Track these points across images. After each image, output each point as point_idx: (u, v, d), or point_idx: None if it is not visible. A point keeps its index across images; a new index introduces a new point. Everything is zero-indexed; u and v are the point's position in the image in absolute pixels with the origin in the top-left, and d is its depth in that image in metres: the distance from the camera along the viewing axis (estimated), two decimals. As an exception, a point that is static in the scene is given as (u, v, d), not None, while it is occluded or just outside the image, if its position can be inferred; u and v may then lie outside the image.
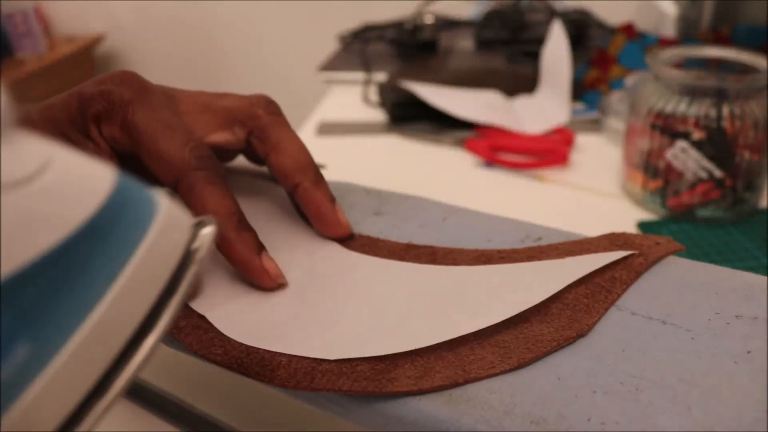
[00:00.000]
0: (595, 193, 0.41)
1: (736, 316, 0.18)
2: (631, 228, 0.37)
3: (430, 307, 0.19)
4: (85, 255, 0.10)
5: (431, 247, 0.22)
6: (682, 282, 0.19)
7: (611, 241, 0.21)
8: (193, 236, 0.12)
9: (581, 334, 0.17)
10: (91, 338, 0.10)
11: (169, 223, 0.12)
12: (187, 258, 0.12)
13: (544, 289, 0.19)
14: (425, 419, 0.16)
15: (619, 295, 0.19)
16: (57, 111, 0.20)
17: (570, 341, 0.17)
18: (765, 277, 0.19)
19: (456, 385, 0.16)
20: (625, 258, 0.20)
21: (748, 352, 0.17)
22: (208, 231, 0.12)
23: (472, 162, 0.45)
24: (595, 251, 0.21)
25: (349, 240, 0.23)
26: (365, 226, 0.24)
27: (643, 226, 0.37)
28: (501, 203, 0.33)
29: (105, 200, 0.11)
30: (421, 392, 0.16)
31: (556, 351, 0.17)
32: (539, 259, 0.21)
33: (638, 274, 0.20)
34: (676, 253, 0.21)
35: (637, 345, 0.17)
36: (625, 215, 0.38)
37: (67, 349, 0.10)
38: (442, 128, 0.49)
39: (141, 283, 0.11)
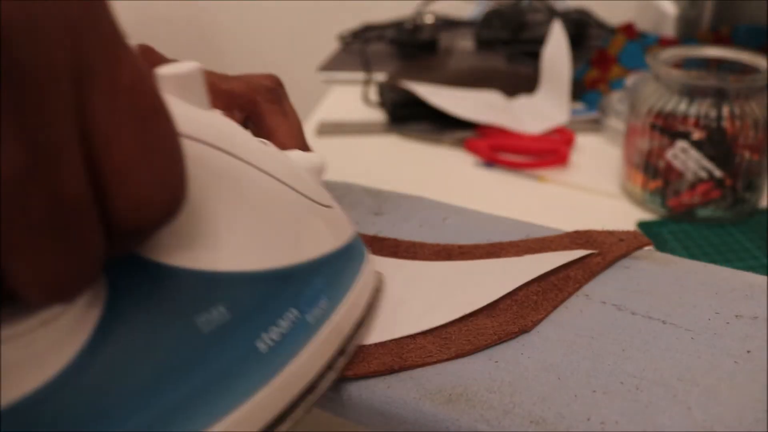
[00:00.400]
0: (595, 193, 0.41)
1: (736, 316, 0.18)
2: (630, 228, 0.37)
3: (382, 303, 0.19)
4: (345, 261, 0.17)
5: (395, 240, 0.23)
6: (682, 282, 0.19)
7: (572, 239, 0.21)
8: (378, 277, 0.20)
9: (524, 331, 0.18)
10: (348, 306, 0.16)
11: (370, 262, 0.19)
12: (376, 290, 0.19)
13: (497, 288, 0.19)
14: (425, 419, 0.16)
15: (570, 294, 0.19)
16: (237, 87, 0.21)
17: (511, 336, 0.18)
18: (765, 277, 0.19)
19: (392, 371, 0.17)
20: (582, 257, 0.20)
21: (748, 351, 0.17)
22: (381, 275, 0.20)
23: (472, 162, 0.45)
24: (555, 249, 0.21)
25: None
26: (365, 226, 0.24)
27: (643, 226, 0.37)
28: (501, 203, 0.33)
29: (353, 233, 0.18)
30: (357, 377, 0.16)
31: (496, 345, 0.17)
32: (498, 255, 0.21)
33: (594, 274, 0.20)
34: (643, 247, 0.21)
35: (637, 345, 0.17)
36: (624, 215, 0.38)
37: (339, 308, 0.16)
38: (442, 128, 0.49)
39: (363, 288, 0.18)
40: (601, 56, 0.51)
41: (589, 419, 0.15)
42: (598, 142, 0.47)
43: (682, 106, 0.36)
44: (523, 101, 0.52)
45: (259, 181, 0.14)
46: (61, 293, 0.10)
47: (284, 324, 0.14)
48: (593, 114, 0.50)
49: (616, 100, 0.47)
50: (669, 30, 0.52)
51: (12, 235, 0.09)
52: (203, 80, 0.14)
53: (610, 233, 0.21)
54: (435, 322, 0.18)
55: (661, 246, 0.35)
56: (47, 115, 0.09)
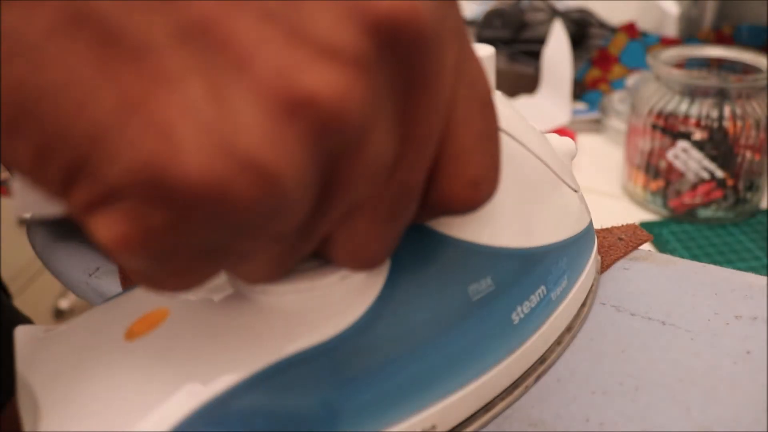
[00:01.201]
0: (596, 193, 0.41)
1: (736, 317, 0.18)
2: (632, 228, 0.37)
3: None
4: (583, 244, 0.18)
5: None
6: (682, 282, 0.19)
7: None
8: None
9: None
10: (580, 288, 0.17)
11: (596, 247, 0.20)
12: (595, 281, 0.19)
13: None
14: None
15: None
16: None
17: None
18: (764, 278, 0.19)
19: None
20: None
21: (748, 352, 0.17)
22: (599, 259, 0.20)
23: (473, 162, 0.45)
24: None
25: None
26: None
27: (645, 226, 0.37)
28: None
29: (590, 219, 0.19)
30: None
31: None
32: None
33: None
34: (643, 244, 0.21)
35: (637, 345, 0.17)
36: (626, 215, 0.38)
37: (574, 288, 0.17)
38: (442, 128, 0.49)
39: (591, 271, 0.18)
40: (602, 56, 0.51)
41: (588, 420, 0.15)
42: (599, 142, 0.47)
43: (684, 106, 0.36)
44: (523, 101, 0.52)
45: (531, 164, 0.15)
46: (373, 264, 0.11)
47: (534, 299, 0.15)
48: (594, 114, 0.50)
49: (617, 100, 0.47)
50: (670, 29, 0.51)
51: (358, 214, 0.10)
52: (493, 64, 0.14)
53: (609, 231, 0.21)
54: None
55: (663, 246, 0.35)
56: (431, 112, 0.10)
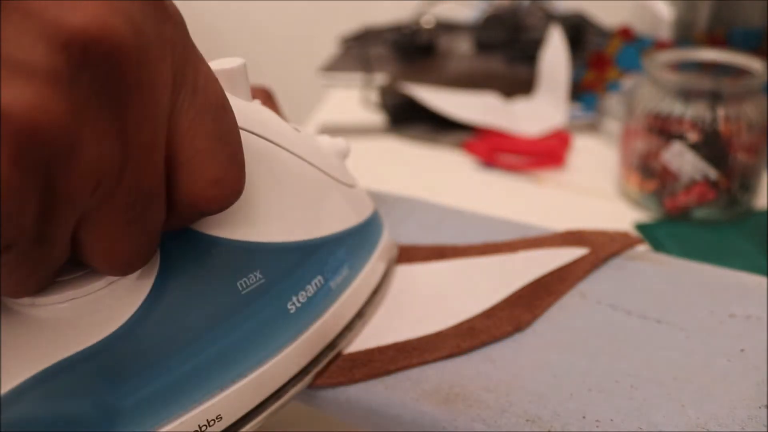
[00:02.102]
0: (592, 194, 0.41)
1: (730, 315, 0.18)
2: (627, 229, 0.37)
3: (381, 309, 0.19)
4: (365, 234, 0.19)
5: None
6: (677, 282, 0.20)
7: (564, 238, 0.22)
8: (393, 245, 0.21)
9: (519, 330, 0.18)
10: (365, 276, 0.18)
11: (388, 236, 0.21)
12: (391, 261, 0.21)
13: (493, 293, 0.19)
14: (422, 418, 0.16)
15: (562, 293, 0.19)
16: None
17: (506, 335, 0.18)
18: (758, 277, 0.20)
19: (387, 373, 0.17)
20: (572, 260, 0.21)
21: (742, 350, 0.17)
22: (395, 247, 0.21)
23: (471, 164, 0.45)
24: (548, 248, 0.21)
25: None
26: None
27: (640, 227, 0.38)
28: (499, 205, 0.34)
29: (372, 211, 0.20)
30: (352, 382, 0.17)
31: (491, 344, 0.18)
32: (492, 255, 0.21)
33: (586, 273, 0.20)
34: (634, 246, 0.21)
35: (632, 344, 0.17)
36: (621, 216, 0.38)
37: (358, 277, 0.18)
38: (440, 130, 0.49)
39: (381, 257, 0.19)
40: (598, 59, 0.52)
41: (584, 417, 0.15)
42: (594, 144, 0.47)
43: (678, 108, 0.36)
44: (521, 103, 0.52)
45: (292, 163, 0.16)
46: (127, 267, 0.12)
47: (311, 289, 0.16)
48: (590, 116, 0.50)
49: (612, 102, 0.47)
50: (665, 33, 0.52)
51: (96, 218, 0.10)
52: (247, 75, 0.15)
53: (602, 233, 0.22)
54: (431, 328, 0.18)
55: (658, 246, 0.35)
56: (147, 120, 0.10)
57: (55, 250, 0.10)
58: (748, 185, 0.37)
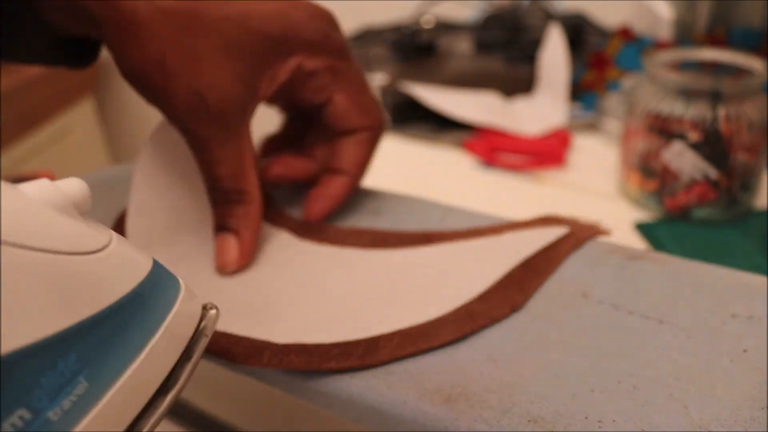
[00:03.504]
0: (592, 193, 0.41)
1: (732, 315, 0.18)
2: (628, 228, 0.37)
3: (378, 296, 0.19)
4: (131, 315, 0.13)
5: (375, 231, 0.23)
6: (679, 281, 0.20)
7: (545, 221, 0.23)
8: (203, 316, 0.15)
9: (515, 310, 0.18)
10: (129, 385, 0.12)
11: (187, 302, 0.14)
12: (198, 332, 0.15)
13: (486, 275, 0.20)
14: (424, 419, 0.16)
15: (550, 273, 0.20)
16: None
17: (505, 316, 0.18)
18: (761, 277, 0.19)
19: (392, 360, 0.17)
20: (556, 239, 0.21)
21: (744, 350, 0.17)
22: (213, 313, 0.15)
23: (471, 163, 0.45)
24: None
25: (296, 227, 0.24)
26: (363, 226, 0.24)
27: (640, 226, 0.38)
28: (499, 204, 0.34)
29: (147, 274, 0.13)
30: (363, 367, 0.17)
31: (488, 327, 0.18)
32: (478, 237, 0.22)
33: (569, 252, 0.21)
34: (603, 234, 0.22)
35: (634, 344, 0.17)
36: (621, 216, 0.38)
37: (110, 392, 0.12)
38: (441, 129, 0.49)
39: (167, 347, 0.13)
40: (598, 59, 0.52)
41: (586, 418, 0.15)
42: (595, 144, 0.47)
43: (678, 108, 0.36)
44: (521, 103, 0.52)
45: None
46: None
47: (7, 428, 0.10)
48: (590, 115, 0.50)
49: (612, 101, 0.47)
50: (665, 33, 0.52)
51: None
52: None
53: (575, 220, 0.23)
54: (432, 314, 0.18)
55: (658, 246, 0.35)
56: None
57: None
58: (748, 185, 0.37)
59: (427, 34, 0.64)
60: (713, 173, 0.36)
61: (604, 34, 0.63)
